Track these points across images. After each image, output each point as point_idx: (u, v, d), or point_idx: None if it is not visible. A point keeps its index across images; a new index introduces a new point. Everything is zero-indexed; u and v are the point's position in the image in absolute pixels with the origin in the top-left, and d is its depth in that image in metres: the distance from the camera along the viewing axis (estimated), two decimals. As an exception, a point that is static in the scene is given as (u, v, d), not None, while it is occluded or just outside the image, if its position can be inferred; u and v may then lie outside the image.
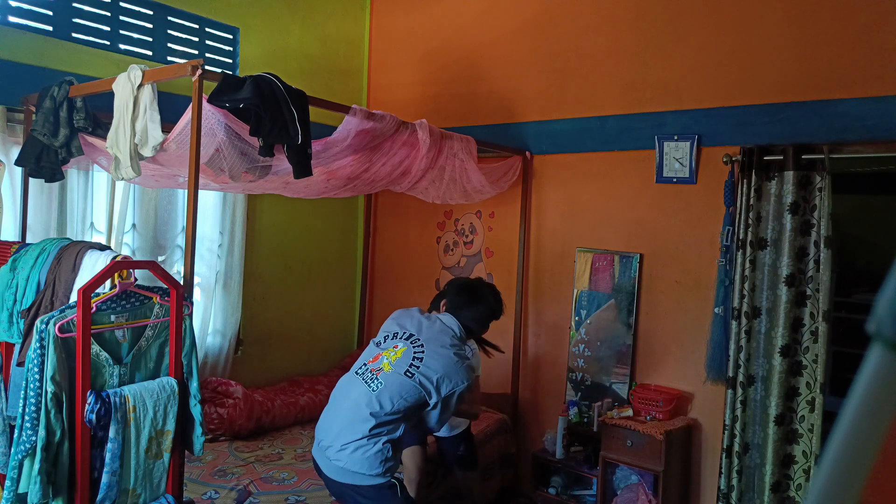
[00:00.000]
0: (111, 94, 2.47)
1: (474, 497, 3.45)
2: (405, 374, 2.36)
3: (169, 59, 3.68)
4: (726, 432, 3.19)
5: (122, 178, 2.46)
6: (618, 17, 3.73)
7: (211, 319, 3.98)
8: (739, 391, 3.15)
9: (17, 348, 2.44)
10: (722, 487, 3.21)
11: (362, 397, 2.35)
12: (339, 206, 4.68)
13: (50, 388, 1.93)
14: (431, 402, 2.37)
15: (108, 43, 3.43)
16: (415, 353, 2.41)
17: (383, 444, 2.31)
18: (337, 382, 2.57)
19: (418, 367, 2.37)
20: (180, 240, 3.77)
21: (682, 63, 3.50)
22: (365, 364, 2.48)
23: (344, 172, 3.14)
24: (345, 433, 2.32)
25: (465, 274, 4.39)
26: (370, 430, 2.30)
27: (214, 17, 3.89)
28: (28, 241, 2.99)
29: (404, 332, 2.51)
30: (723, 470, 3.21)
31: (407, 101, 4.62)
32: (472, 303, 2.63)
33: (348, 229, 4.88)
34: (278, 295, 4.39)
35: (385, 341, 2.52)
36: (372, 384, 2.37)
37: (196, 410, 2.23)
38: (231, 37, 4.02)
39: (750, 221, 3.14)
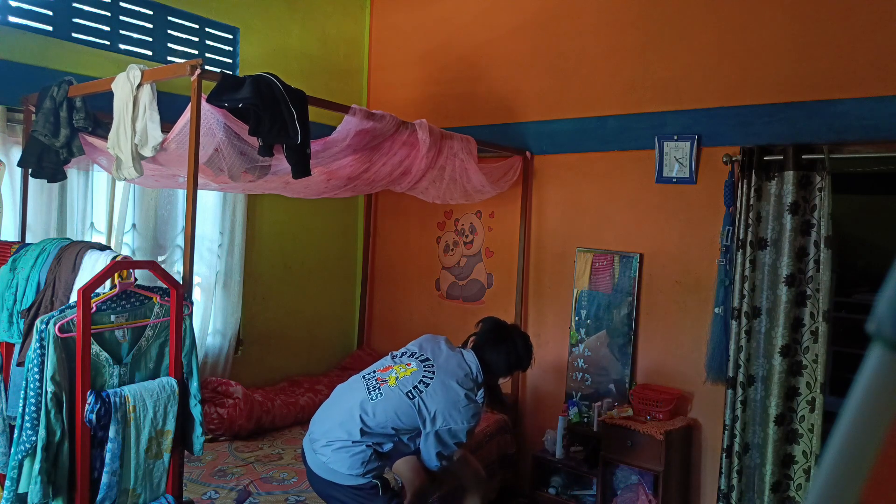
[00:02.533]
0: (111, 94, 2.47)
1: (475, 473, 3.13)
2: (407, 394, 2.34)
3: (169, 59, 3.68)
4: (726, 432, 3.19)
5: (125, 179, 2.47)
6: (618, 17, 3.73)
7: (211, 319, 3.97)
8: (739, 391, 3.15)
9: (17, 348, 2.44)
10: (722, 487, 3.21)
11: (359, 403, 2.36)
12: (339, 206, 4.68)
13: (50, 388, 1.93)
14: (424, 432, 2.35)
15: (108, 43, 3.43)
16: (423, 376, 2.39)
17: (366, 447, 2.31)
18: (344, 380, 2.58)
19: (421, 392, 2.35)
20: (180, 240, 3.76)
21: (682, 63, 3.50)
22: (374, 371, 2.49)
23: (344, 172, 3.13)
24: (333, 431, 2.34)
25: (465, 274, 4.39)
26: (358, 437, 2.30)
27: (214, 17, 3.89)
28: (28, 241, 2.99)
29: (421, 354, 2.49)
30: (723, 470, 3.20)
31: (407, 101, 4.62)
32: (498, 344, 2.55)
33: (348, 229, 4.88)
34: (278, 295, 4.39)
35: (401, 357, 2.52)
36: (372, 392, 2.37)
37: (196, 410, 2.23)
38: (231, 37, 4.02)
39: (750, 221, 3.14)
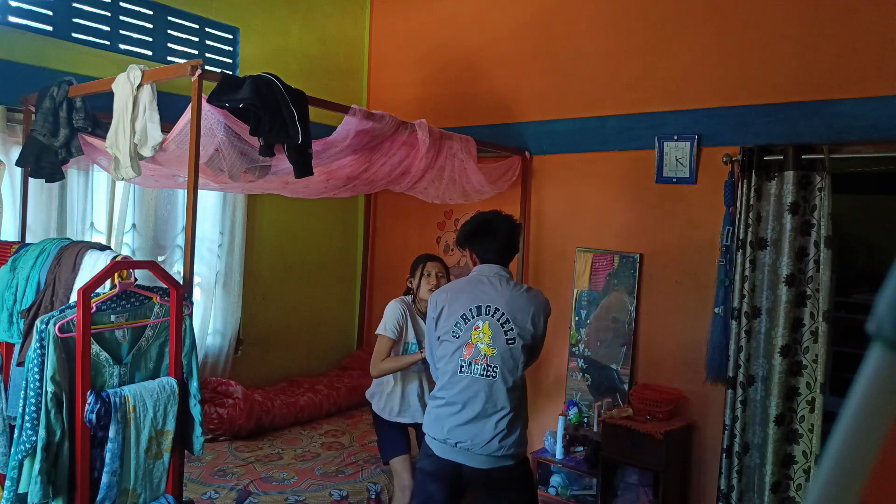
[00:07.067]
0: (111, 94, 2.47)
1: None
2: (507, 343, 2.39)
3: (169, 59, 3.68)
4: (726, 432, 3.19)
5: (122, 178, 2.46)
6: (618, 17, 3.73)
7: (211, 319, 3.97)
8: (739, 391, 3.15)
9: (17, 348, 2.44)
10: (722, 487, 3.21)
11: (490, 387, 2.38)
12: (339, 206, 4.68)
13: (50, 388, 1.93)
14: (540, 338, 2.47)
15: (108, 43, 3.43)
16: (498, 320, 2.40)
17: (523, 413, 2.47)
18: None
19: (513, 329, 2.39)
20: (180, 240, 3.76)
21: (682, 63, 3.50)
22: (463, 360, 2.42)
23: (343, 172, 3.13)
24: (496, 421, 2.37)
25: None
26: (511, 406, 2.38)
27: (214, 17, 3.89)
28: (28, 241, 2.99)
29: (471, 310, 2.44)
30: (723, 470, 3.20)
31: (407, 101, 4.62)
32: (492, 237, 2.55)
33: (348, 229, 4.88)
34: (278, 295, 4.39)
35: (463, 331, 2.43)
36: (489, 373, 2.38)
37: (196, 410, 2.23)
38: (231, 37, 4.02)
39: (750, 221, 3.14)
